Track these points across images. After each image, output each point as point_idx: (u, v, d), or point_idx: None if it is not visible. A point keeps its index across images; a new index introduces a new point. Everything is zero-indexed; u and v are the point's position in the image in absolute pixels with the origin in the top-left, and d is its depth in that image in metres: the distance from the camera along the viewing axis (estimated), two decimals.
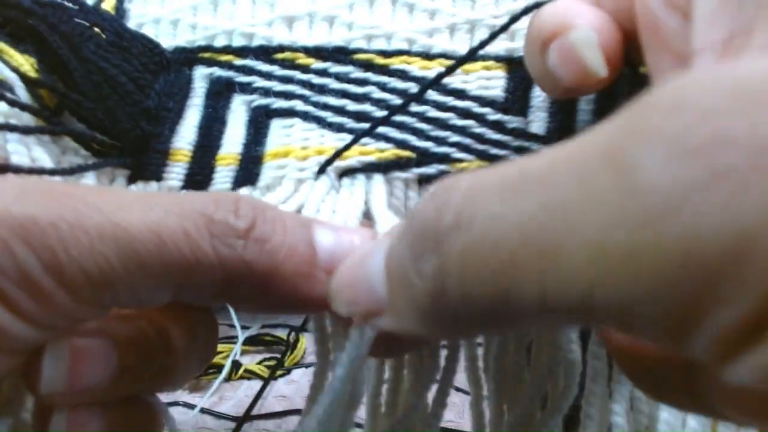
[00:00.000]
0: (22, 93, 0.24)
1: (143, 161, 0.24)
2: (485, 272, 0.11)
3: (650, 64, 0.17)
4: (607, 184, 0.10)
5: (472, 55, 0.22)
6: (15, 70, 0.24)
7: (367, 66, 0.24)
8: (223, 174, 0.24)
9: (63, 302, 0.15)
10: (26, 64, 0.25)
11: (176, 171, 0.24)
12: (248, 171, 0.24)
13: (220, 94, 0.25)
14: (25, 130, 0.23)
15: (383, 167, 0.22)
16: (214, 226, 0.16)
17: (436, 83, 0.22)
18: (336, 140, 0.23)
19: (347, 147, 0.21)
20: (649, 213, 0.09)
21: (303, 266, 0.17)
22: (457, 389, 0.46)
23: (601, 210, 0.10)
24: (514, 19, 0.20)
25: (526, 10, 0.20)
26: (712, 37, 0.13)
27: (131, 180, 0.24)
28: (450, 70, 0.22)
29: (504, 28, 0.21)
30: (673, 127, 0.09)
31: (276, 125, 0.24)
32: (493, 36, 0.22)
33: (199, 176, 0.24)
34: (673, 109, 0.10)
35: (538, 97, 0.23)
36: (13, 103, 0.22)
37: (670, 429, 0.21)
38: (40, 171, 0.22)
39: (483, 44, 0.22)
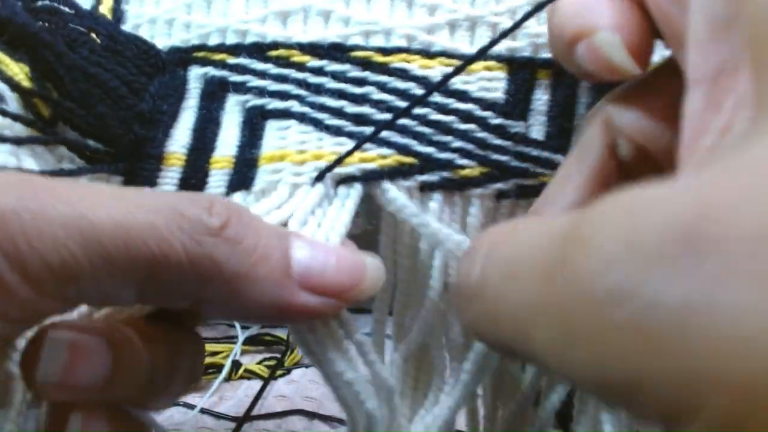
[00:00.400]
0: (13, 104, 0.24)
1: (137, 167, 0.23)
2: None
3: (675, 54, 0.16)
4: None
5: (480, 57, 0.21)
6: (7, 80, 0.23)
7: (366, 64, 0.23)
8: (218, 178, 0.23)
9: (26, 295, 0.14)
10: (21, 73, 0.25)
11: (170, 176, 0.23)
12: (243, 175, 0.23)
13: (214, 95, 0.24)
14: (16, 141, 0.22)
15: (386, 174, 0.22)
16: (184, 222, 0.15)
17: (441, 86, 0.22)
18: (334, 144, 0.22)
19: (349, 154, 0.20)
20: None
21: (275, 273, 0.16)
22: None
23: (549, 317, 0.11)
24: (524, 19, 0.19)
25: (531, 13, 0.19)
26: (702, 70, 0.12)
27: (125, 185, 0.24)
28: (456, 72, 0.21)
29: (512, 29, 0.21)
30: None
31: (271, 127, 0.23)
32: (501, 37, 0.21)
33: (193, 180, 0.23)
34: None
35: (539, 100, 0.23)
36: (4, 113, 0.21)
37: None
38: None
39: (491, 44, 0.21)
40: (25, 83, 0.23)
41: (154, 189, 0.23)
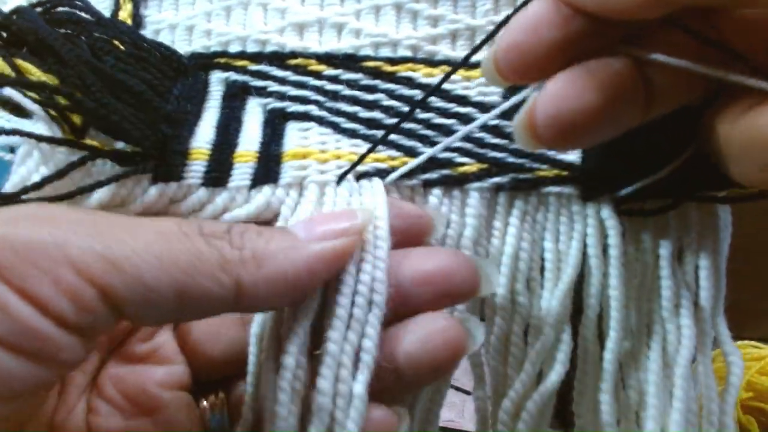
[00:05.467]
0: (41, 111, 0.25)
1: (164, 163, 0.25)
2: None
3: None
4: None
5: (467, 60, 0.23)
6: (38, 102, 0.25)
7: (376, 74, 0.25)
8: (242, 170, 0.25)
9: (77, 317, 0.17)
10: (50, 83, 0.26)
11: (195, 169, 0.25)
12: (268, 168, 0.25)
13: (236, 97, 0.26)
14: (48, 140, 0.24)
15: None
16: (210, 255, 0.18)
17: (436, 90, 0.24)
18: (351, 145, 0.25)
19: (362, 158, 0.23)
20: None
21: (287, 241, 0.19)
22: (457, 389, 0.48)
23: None
24: (499, 26, 0.21)
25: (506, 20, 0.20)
26: None
27: (153, 181, 0.25)
28: (447, 76, 0.23)
29: (490, 36, 0.22)
30: None
31: (292, 128, 0.26)
32: (482, 44, 0.23)
33: (216, 173, 0.25)
34: None
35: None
36: (40, 138, 0.23)
37: (658, 402, 0.23)
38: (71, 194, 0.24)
39: (475, 50, 0.23)
40: (56, 93, 0.25)
41: (180, 183, 0.25)
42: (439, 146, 0.23)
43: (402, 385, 0.20)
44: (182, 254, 0.17)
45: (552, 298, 0.24)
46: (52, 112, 0.25)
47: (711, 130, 0.19)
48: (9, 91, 0.24)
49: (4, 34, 0.25)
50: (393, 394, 0.20)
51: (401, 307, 0.21)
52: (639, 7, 0.16)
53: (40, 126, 0.22)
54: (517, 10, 0.19)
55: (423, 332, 0.20)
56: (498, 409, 0.24)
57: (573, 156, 0.24)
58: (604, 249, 0.24)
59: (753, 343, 0.47)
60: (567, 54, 0.18)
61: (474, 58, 0.25)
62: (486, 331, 0.24)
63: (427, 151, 0.24)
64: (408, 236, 0.22)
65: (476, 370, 0.25)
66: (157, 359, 0.23)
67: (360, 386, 0.18)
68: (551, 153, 0.24)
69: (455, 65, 0.24)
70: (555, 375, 0.24)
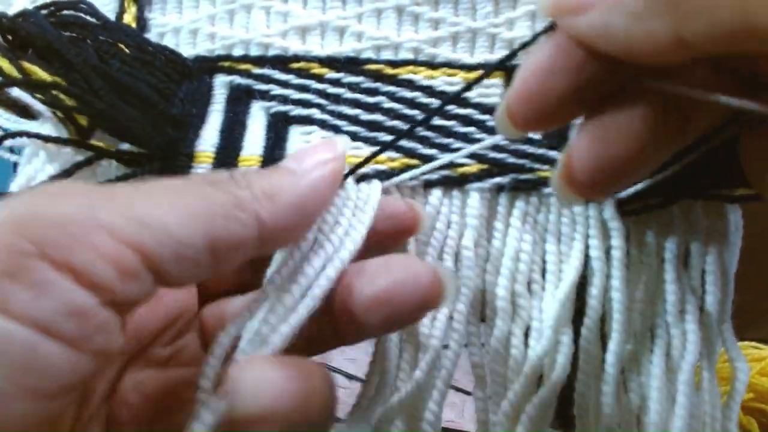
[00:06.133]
0: (47, 113, 0.26)
1: (170, 165, 0.25)
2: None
3: None
4: None
5: (491, 72, 0.24)
6: (46, 102, 0.25)
7: (377, 76, 0.26)
8: None
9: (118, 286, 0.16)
10: (60, 83, 0.27)
11: (200, 173, 0.25)
12: None
13: (239, 100, 0.27)
14: (54, 139, 0.24)
15: (395, 175, 0.24)
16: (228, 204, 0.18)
17: (458, 97, 0.24)
18: (352, 148, 0.25)
19: (367, 161, 0.23)
20: None
21: (284, 173, 0.20)
22: (457, 389, 0.48)
23: None
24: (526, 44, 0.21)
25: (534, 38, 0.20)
26: None
27: None
28: (466, 88, 0.24)
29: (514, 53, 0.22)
30: None
31: (295, 131, 0.26)
32: (513, 53, 0.23)
33: None
34: None
35: None
36: (52, 140, 0.23)
37: (660, 407, 0.23)
38: (64, 174, 0.23)
39: (504, 60, 0.23)
40: (62, 95, 0.25)
41: None
42: (457, 154, 0.24)
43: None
44: (199, 203, 0.17)
45: (553, 300, 0.24)
46: (59, 114, 0.25)
47: (746, 148, 0.19)
48: (17, 93, 0.24)
49: (10, 38, 0.25)
50: None
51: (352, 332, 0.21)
52: (669, 51, 0.16)
53: (46, 127, 0.23)
54: (533, 40, 0.19)
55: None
56: (498, 411, 0.24)
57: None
58: (607, 251, 0.24)
59: (753, 344, 0.47)
60: (583, 99, 0.18)
61: (474, 61, 0.26)
62: (486, 332, 0.24)
63: (444, 156, 0.24)
64: (392, 233, 0.22)
65: (477, 371, 0.25)
66: (181, 361, 0.23)
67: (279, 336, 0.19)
68: (552, 153, 0.24)
69: (474, 80, 0.24)
70: (556, 378, 0.24)
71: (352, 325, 0.21)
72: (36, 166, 0.22)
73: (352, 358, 0.55)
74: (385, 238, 0.22)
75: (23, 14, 0.26)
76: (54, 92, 0.25)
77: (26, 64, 0.26)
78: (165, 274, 0.17)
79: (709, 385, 0.24)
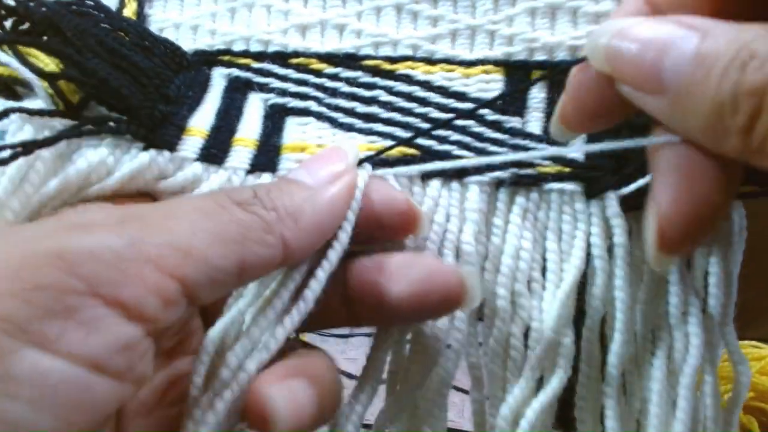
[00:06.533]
0: (41, 92, 0.25)
1: (158, 133, 0.24)
2: None
3: None
4: None
5: (527, 89, 0.24)
6: (38, 72, 0.25)
7: (375, 71, 0.25)
8: (241, 153, 0.24)
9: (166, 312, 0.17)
10: (51, 63, 0.27)
11: (191, 143, 0.24)
12: (268, 158, 0.25)
13: (237, 90, 0.27)
14: (39, 112, 0.23)
15: (390, 163, 0.24)
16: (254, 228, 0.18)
17: (491, 104, 0.24)
18: (347, 139, 0.25)
19: (379, 153, 0.23)
20: None
21: (303, 191, 0.20)
22: (457, 389, 0.47)
23: None
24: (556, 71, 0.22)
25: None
26: None
27: (145, 149, 0.24)
28: (499, 97, 0.24)
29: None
30: None
31: (291, 122, 0.26)
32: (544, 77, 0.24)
33: (214, 150, 0.24)
34: None
35: (535, 98, 0.25)
36: (38, 112, 0.23)
37: (661, 411, 0.22)
38: (50, 140, 0.23)
39: (537, 81, 0.24)
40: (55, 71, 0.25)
41: (173, 155, 0.24)
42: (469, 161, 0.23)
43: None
44: (230, 227, 0.18)
45: (554, 300, 0.23)
46: (50, 91, 0.25)
47: None
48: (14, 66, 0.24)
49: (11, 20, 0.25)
50: None
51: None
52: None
53: (36, 104, 0.23)
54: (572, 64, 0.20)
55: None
56: (496, 413, 0.23)
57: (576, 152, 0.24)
58: (609, 249, 0.23)
59: (753, 343, 0.46)
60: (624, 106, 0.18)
61: (473, 57, 0.25)
62: (484, 333, 0.24)
63: (429, 142, 0.24)
64: (389, 227, 0.22)
65: (474, 372, 0.24)
66: (187, 350, 0.22)
67: (252, 364, 0.19)
68: (552, 148, 0.24)
69: (506, 93, 0.24)
70: (556, 381, 0.23)
71: (378, 315, 0.21)
72: (22, 139, 0.22)
73: (352, 358, 0.54)
74: (380, 227, 0.22)
75: (35, 0, 0.26)
76: (50, 67, 0.25)
77: (25, 49, 0.26)
78: (197, 299, 0.17)
79: (710, 389, 0.23)
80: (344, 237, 0.20)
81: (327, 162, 0.21)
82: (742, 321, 0.24)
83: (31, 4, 0.26)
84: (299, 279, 0.20)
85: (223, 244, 0.17)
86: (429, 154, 0.24)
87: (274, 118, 0.26)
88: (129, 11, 0.29)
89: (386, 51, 0.26)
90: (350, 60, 0.26)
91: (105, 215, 0.17)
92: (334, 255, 0.20)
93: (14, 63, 0.23)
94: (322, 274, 0.20)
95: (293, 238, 0.19)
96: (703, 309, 0.23)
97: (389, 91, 0.25)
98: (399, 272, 0.21)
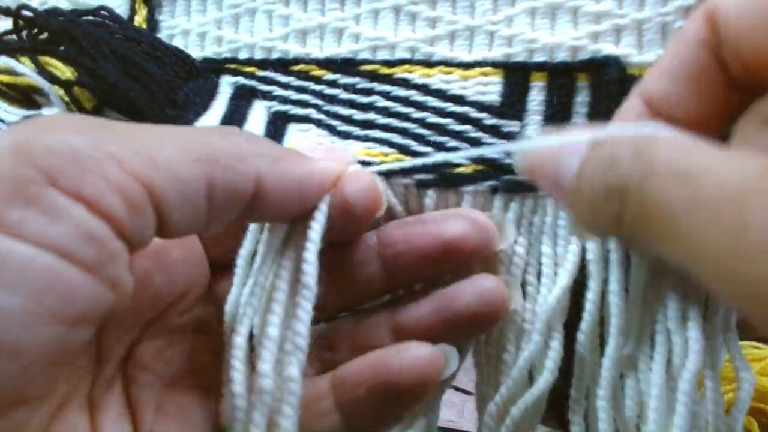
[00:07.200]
0: (58, 101, 0.27)
1: None
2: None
3: None
4: None
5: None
6: (54, 79, 0.26)
7: (373, 77, 0.26)
8: None
9: (131, 223, 0.16)
10: (67, 72, 0.28)
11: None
12: None
13: (243, 98, 0.28)
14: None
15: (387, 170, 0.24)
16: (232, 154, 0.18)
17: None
18: (344, 146, 0.25)
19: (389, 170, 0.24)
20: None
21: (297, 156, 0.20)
22: (457, 389, 0.47)
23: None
24: None
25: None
26: None
27: None
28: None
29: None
30: None
31: (293, 129, 0.27)
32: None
33: None
34: None
35: (534, 101, 0.25)
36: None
37: (659, 417, 0.22)
38: None
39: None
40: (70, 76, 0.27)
41: None
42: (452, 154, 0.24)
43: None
44: (201, 147, 0.17)
45: (544, 303, 0.23)
46: (66, 98, 0.27)
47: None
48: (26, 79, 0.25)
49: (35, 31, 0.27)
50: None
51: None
52: None
53: (53, 111, 0.24)
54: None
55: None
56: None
57: None
58: (605, 254, 0.23)
59: (753, 343, 0.45)
60: None
61: (472, 58, 0.25)
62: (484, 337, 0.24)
63: (426, 149, 0.24)
64: (354, 204, 0.21)
65: (479, 369, 0.24)
66: (199, 328, 0.23)
67: (294, 369, 0.19)
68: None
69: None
70: (543, 382, 0.23)
71: (415, 267, 0.22)
72: None
73: None
74: (346, 205, 0.21)
75: (52, 11, 0.28)
76: (65, 75, 0.27)
77: (43, 58, 0.27)
78: (167, 216, 0.17)
79: (712, 395, 0.23)
80: (321, 216, 0.20)
81: (325, 151, 0.22)
82: (742, 321, 0.24)
83: (49, 15, 0.28)
84: (292, 265, 0.20)
85: (191, 160, 0.17)
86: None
87: (277, 125, 0.27)
88: (140, 17, 0.30)
89: (384, 54, 0.26)
90: (348, 65, 0.26)
91: (75, 121, 0.18)
92: (315, 234, 0.20)
93: (30, 72, 0.25)
94: (311, 255, 0.20)
95: (269, 178, 0.18)
96: (703, 315, 0.23)
97: (386, 96, 0.25)
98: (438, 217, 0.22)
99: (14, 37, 0.28)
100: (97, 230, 0.15)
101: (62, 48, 0.28)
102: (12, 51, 0.28)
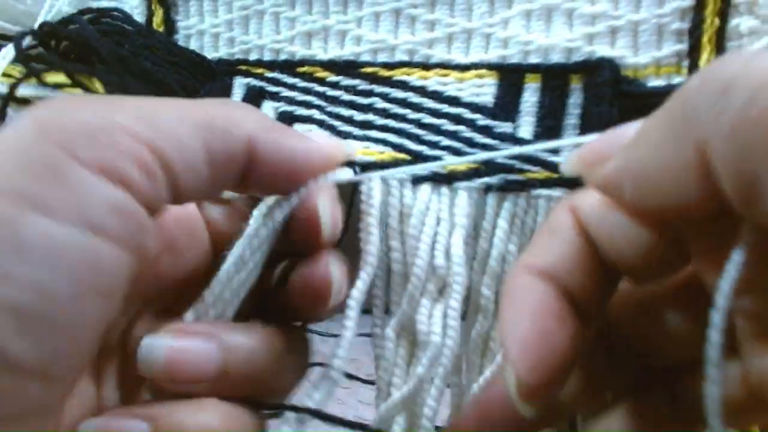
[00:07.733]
0: None
1: None
2: None
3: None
4: None
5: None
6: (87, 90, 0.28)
7: (373, 79, 0.27)
8: None
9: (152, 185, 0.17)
10: (96, 83, 0.30)
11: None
12: None
13: (253, 99, 0.29)
14: None
15: (381, 167, 0.25)
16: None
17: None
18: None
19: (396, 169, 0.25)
20: None
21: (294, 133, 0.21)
22: None
23: None
24: None
25: None
26: None
27: None
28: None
29: None
30: None
31: (297, 128, 0.28)
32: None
33: None
34: None
35: (527, 102, 0.25)
36: None
37: None
38: None
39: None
40: (101, 91, 0.29)
41: None
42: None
43: None
44: (197, 113, 0.18)
45: None
46: None
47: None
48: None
49: (54, 42, 0.29)
50: None
51: None
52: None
53: None
54: None
55: None
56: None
57: (563, 158, 0.24)
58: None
59: None
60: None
61: (468, 61, 0.26)
62: (464, 329, 0.25)
63: (420, 148, 0.25)
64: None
65: (454, 361, 0.25)
66: None
67: None
68: (542, 155, 0.24)
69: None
70: None
71: None
72: None
73: (352, 358, 0.56)
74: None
75: (68, 20, 0.29)
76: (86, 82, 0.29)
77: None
78: (175, 181, 0.17)
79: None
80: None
81: (325, 137, 0.23)
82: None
83: (76, 31, 0.29)
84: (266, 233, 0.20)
85: (189, 125, 0.17)
86: (419, 159, 0.25)
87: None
88: (157, 19, 0.32)
89: (384, 57, 0.27)
90: (350, 67, 0.27)
91: (78, 99, 0.19)
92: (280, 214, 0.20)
93: (50, 92, 0.26)
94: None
95: (262, 142, 0.19)
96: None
97: (385, 98, 0.26)
98: None
99: (42, 49, 0.30)
100: (121, 200, 0.16)
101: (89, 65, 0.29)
102: (41, 65, 0.29)
